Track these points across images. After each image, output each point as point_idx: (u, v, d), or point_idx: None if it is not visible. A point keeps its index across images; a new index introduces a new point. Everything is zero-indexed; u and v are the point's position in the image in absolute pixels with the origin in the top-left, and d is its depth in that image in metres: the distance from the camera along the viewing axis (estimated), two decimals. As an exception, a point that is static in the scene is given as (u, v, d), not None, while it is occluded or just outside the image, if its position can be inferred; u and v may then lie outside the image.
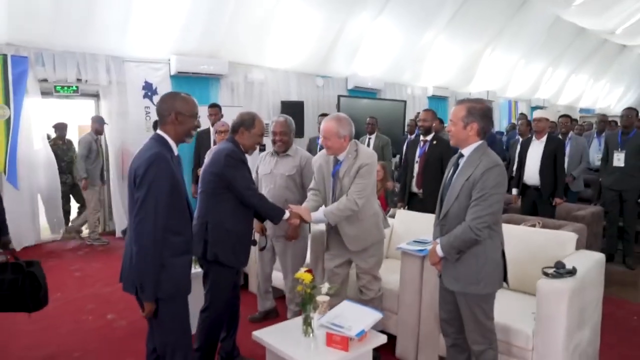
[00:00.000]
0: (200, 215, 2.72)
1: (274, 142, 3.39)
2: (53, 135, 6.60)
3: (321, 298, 2.49)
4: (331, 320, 2.29)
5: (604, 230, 5.23)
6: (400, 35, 9.41)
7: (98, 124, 6.20)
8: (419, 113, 8.77)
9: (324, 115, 6.85)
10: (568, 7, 11.10)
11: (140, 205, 2.01)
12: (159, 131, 2.19)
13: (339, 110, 8.89)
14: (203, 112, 6.80)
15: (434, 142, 4.39)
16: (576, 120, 8.81)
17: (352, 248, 2.93)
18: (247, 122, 2.82)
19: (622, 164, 5.06)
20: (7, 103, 5.60)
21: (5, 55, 5.57)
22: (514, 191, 4.88)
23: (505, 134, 9.83)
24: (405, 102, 9.97)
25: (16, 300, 2.70)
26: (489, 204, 2.15)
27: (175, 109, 2.16)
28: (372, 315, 2.36)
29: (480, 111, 2.26)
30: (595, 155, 6.75)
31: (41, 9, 5.53)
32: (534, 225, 3.99)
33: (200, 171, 2.93)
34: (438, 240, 2.33)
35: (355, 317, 2.32)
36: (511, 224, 3.46)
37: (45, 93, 6.06)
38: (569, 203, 5.09)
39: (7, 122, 5.63)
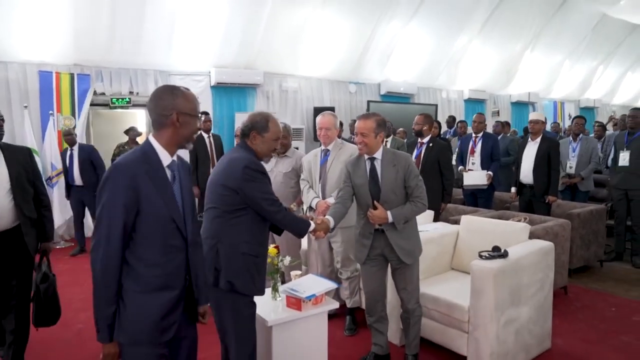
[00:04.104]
0: (209, 236, 2.27)
1: None
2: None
3: (294, 272, 3.07)
4: (291, 287, 2.82)
5: (609, 229, 5.34)
6: (433, 40, 9.67)
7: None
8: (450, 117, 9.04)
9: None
10: (616, 4, 10.80)
11: (95, 228, 1.73)
12: (150, 137, 1.82)
13: (369, 115, 9.35)
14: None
15: (431, 144, 4.77)
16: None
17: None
18: (259, 125, 2.38)
19: (627, 164, 5.15)
20: (72, 114, 6.65)
21: (72, 74, 6.63)
22: (512, 189, 5.13)
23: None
24: (436, 105, 10.22)
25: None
26: (423, 184, 2.82)
27: (177, 107, 1.78)
28: (326, 285, 2.87)
29: (383, 122, 2.80)
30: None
31: (99, 33, 6.54)
32: (520, 220, 4.30)
33: (208, 183, 2.42)
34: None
35: (312, 286, 2.83)
36: (481, 217, 3.84)
37: (102, 105, 7.09)
38: (572, 202, 5.27)
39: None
